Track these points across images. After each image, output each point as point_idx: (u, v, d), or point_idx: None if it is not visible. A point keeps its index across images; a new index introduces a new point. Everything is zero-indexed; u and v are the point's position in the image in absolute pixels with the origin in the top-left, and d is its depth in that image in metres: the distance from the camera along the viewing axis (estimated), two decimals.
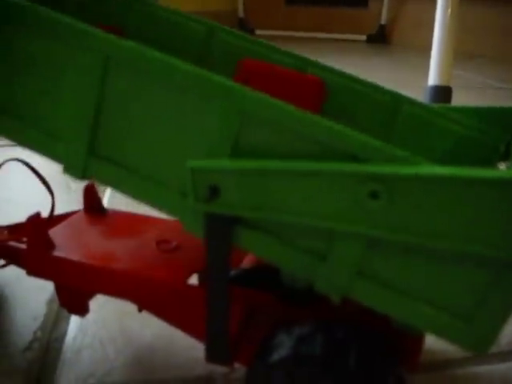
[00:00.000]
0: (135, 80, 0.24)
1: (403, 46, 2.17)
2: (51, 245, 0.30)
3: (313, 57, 0.35)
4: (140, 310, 0.32)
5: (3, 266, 0.35)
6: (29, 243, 0.30)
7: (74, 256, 0.30)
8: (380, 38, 2.22)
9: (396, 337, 0.25)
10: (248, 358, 0.26)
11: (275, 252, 0.23)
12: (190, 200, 0.23)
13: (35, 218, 0.31)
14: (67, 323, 0.37)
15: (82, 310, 0.32)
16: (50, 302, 0.40)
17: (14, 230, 0.35)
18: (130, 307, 0.33)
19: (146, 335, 0.36)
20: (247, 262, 0.30)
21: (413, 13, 2.14)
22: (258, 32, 2.34)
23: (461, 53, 2.00)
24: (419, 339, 0.26)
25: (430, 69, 0.69)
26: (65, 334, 0.36)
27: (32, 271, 0.31)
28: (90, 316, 0.37)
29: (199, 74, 0.23)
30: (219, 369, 0.32)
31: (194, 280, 0.30)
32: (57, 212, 0.35)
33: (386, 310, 0.22)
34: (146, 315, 0.33)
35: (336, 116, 0.35)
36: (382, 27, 2.19)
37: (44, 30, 0.24)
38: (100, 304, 0.38)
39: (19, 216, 0.35)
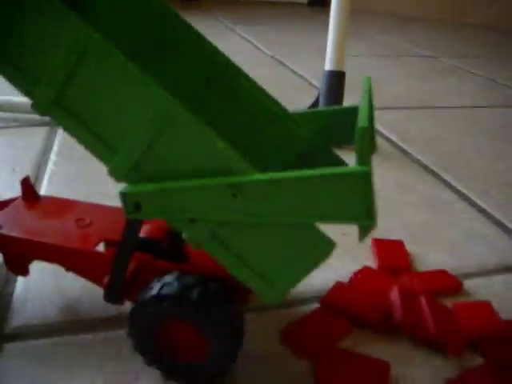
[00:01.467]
0: (100, 68, 0.31)
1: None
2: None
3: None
4: (67, 270, 0.44)
5: None
6: None
7: (17, 233, 0.41)
8: (321, 1, 2.30)
9: (234, 282, 0.37)
10: (134, 297, 0.38)
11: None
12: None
13: None
14: (14, 282, 0.49)
15: (25, 272, 0.44)
16: (0, 267, 0.51)
17: None
18: (61, 269, 0.44)
19: (74, 288, 0.48)
20: (142, 233, 0.42)
21: None
22: None
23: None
24: None
25: (326, 54, 0.80)
26: (13, 290, 0.48)
27: None
28: (31, 276, 0.48)
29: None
30: (124, 309, 0.44)
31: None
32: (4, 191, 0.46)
33: (225, 267, 0.34)
34: (76, 275, 0.44)
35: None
36: None
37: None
38: (39, 268, 0.49)
39: None
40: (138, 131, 0.32)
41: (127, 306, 0.43)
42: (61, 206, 0.46)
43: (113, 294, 0.37)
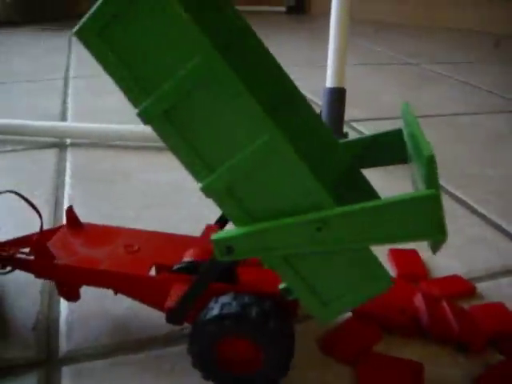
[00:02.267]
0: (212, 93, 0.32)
1: (323, 15, 2.32)
2: (52, 254, 0.44)
3: None
4: (115, 293, 0.47)
5: (8, 271, 0.48)
6: (36, 254, 0.44)
7: (71, 262, 0.44)
8: (300, 9, 2.35)
9: (282, 298, 0.40)
10: (192, 318, 0.41)
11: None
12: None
13: (37, 234, 0.44)
14: (58, 307, 0.51)
15: (76, 298, 0.46)
16: (42, 293, 0.53)
17: (17, 243, 0.48)
18: (106, 292, 0.47)
19: (118, 309, 0.50)
20: (190, 256, 0.45)
21: None
22: None
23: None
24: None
25: (327, 71, 0.84)
26: (58, 315, 0.50)
27: (39, 275, 0.45)
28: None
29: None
30: (174, 327, 0.47)
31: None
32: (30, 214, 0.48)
33: (290, 287, 0.37)
34: (119, 296, 0.47)
35: None
36: None
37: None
38: (82, 291, 0.52)
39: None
40: (240, 156, 0.34)
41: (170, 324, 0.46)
42: (105, 232, 0.48)
43: (178, 317, 0.40)
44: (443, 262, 0.60)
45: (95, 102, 1.11)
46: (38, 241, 0.44)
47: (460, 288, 0.53)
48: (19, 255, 0.46)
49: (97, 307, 0.50)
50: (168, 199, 0.71)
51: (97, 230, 0.49)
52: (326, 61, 0.82)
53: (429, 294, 0.51)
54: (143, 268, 0.43)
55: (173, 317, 0.40)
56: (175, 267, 0.43)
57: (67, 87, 1.23)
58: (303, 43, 1.90)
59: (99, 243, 0.47)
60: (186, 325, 0.43)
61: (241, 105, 0.32)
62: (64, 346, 0.46)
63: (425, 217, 0.32)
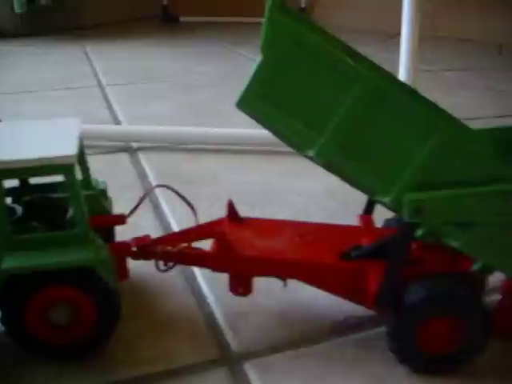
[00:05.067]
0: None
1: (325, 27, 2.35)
2: (233, 246, 0.43)
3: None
4: (285, 285, 0.46)
5: (169, 268, 0.46)
6: (218, 247, 0.43)
7: (254, 253, 0.43)
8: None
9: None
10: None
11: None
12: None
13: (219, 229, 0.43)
14: (207, 303, 0.50)
15: (249, 292, 0.45)
16: (193, 291, 0.52)
17: (176, 238, 0.47)
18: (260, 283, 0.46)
19: (274, 304, 0.49)
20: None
21: None
22: (182, 19, 2.40)
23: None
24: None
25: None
26: (210, 310, 0.49)
27: (217, 268, 0.44)
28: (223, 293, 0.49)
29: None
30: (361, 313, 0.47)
31: None
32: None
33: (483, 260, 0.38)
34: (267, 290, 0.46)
35: None
36: (302, 9, 2.35)
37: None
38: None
39: None
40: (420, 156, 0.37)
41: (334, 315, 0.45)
42: (268, 225, 0.48)
43: (385, 300, 0.40)
44: None
45: (140, 108, 1.10)
46: (221, 233, 0.43)
47: None
48: (187, 250, 0.45)
49: (252, 302, 0.49)
50: (267, 199, 0.71)
51: (259, 223, 0.48)
52: None
53: None
54: (329, 256, 0.43)
55: (384, 300, 0.40)
56: (354, 254, 0.43)
57: (105, 94, 1.21)
58: None
59: (270, 235, 0.46)
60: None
61: (410, 112, 0.36)
62: (234, 342, 0.45)
63: None
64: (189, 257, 0.44)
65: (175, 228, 0.62)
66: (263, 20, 0.36)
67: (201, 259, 0.44)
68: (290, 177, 0.77)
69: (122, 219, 0.48)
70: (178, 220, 0.64)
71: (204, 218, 0.49)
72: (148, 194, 0.48)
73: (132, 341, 0.45)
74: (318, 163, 0.39)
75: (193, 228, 0.47)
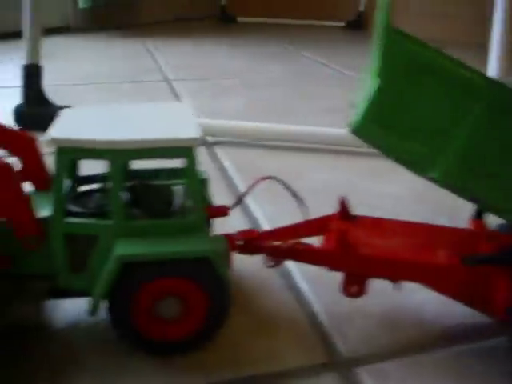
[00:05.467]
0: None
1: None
2: (355, 245, 0.41)
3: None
4: (399, 288, 0.43)
5: (276, 264, 0.44)
6: (339, 245, 0.40)
7: (374, 252, 0.40)
8: (359, 25, 2.33)
9: None
10: None
11: None
12: None
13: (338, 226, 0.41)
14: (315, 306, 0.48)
15: (364, 293, 0.43)
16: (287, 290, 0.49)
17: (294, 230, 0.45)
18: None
19: (376, 308, 0.47)
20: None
21: None
22: (239, 20, 2.40)
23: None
24: None
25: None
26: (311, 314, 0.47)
27: (335, 267, 0.41)
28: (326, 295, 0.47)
29: None
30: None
31: None
32: None
33: None
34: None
35: None
36: (360, 14, 2.31)
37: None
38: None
39: None
40: None
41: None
42: (381, 223, 0.45)
43: None
44: None
45: (210, 103, 1.09)
46: (342, 231, 0.40)
47: None
48: (299, 247, 0.42)
49: (353, 303, 0.47)
50: (353, 199, 0.68)
51: (371, 221, 0.45)
52: None
53: None
54: (452, 260, 0.40)
55: None
56: (478, 258, 0.40)
57: (173, 88, 1.21)
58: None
59: (384, 234, 0.43)
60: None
61: None
62: (341, 344, 0.43)
63: None
64: (302, 253, 0.42)
65: (264, 225, 0.60)
66: (375, 42, 0.35)
67: (317, 257, 0.41)
68: (375, 177, 0.74)
69: (224, 211, 0.47)
70: (267, 217, 0.62)
71: (296, 215, 0.47)
72: (254, 185, 0.45)
73: (233, 339, 0.43)
74: (440, 185, 0.37)
75: (301, 223, 0.45)
